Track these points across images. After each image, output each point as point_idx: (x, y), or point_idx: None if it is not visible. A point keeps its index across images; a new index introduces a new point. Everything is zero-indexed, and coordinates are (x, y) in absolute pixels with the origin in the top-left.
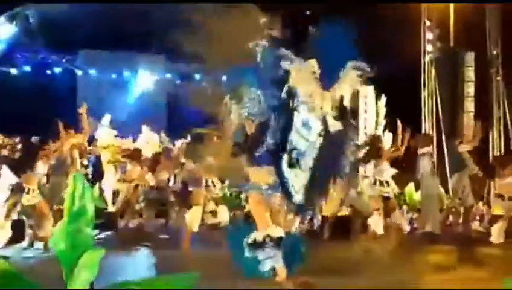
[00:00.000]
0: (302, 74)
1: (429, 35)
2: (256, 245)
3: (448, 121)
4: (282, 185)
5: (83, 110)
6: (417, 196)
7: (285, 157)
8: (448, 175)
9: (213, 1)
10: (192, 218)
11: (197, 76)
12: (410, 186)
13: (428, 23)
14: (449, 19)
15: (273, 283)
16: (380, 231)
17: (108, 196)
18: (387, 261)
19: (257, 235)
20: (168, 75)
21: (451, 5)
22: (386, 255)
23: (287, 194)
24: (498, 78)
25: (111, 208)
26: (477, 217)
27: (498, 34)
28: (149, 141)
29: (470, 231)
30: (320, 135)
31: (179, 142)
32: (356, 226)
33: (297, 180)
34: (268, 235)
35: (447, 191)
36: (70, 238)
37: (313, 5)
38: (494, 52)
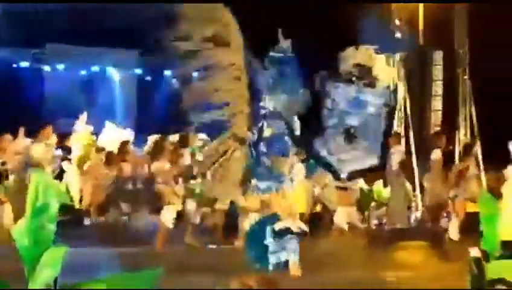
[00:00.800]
0: None
1: (398, 35)
2: (282, 234)
3: (417, 119)
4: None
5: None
6: (385, 192)
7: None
8: (417, 173)
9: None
10: (167, 215)
11: (168, 72)
12: (379, 183)
13: (397, 22)
14: (418, 18)
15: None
16: (344, 226)
17: (74, 192)
18: (352, 258)
19: (288, 223)
20: (139, 71)
21: (421, 4)
22: (350, 251)
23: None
24: (465, 77)
25: (78, 205)
26: (445, 215)
27: (465, 34)
28: (113, 137)
29: (441, 228)
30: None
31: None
32: (325, 222)
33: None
34: (298, 228)
35: (414, 189)
36: (33, 234)
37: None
38: (462, 52)
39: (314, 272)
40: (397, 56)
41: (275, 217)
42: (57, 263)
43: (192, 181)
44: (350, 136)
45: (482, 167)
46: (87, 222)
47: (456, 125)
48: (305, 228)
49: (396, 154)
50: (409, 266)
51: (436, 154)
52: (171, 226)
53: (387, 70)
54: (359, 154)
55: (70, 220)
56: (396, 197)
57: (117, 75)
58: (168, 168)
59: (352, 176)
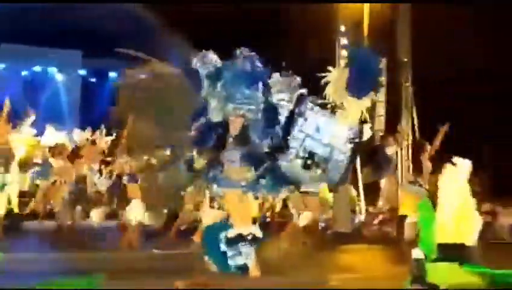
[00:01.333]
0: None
1: (344, 41)
2: (235, 241)
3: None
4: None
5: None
6: (330, 196)
7: (299, 161)
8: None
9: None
10: (135, 213)
11: (113, 74)
12: (324, 187)
13: (343, 28)
14: (363, 25)
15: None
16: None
17: (13, 196)
18: (294, 261)
19: (241, 231)
20: (83, 72)
21: (366, 11)
22: (293, 254)
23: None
24: (407, 84)
25: (17, 209)
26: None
27: (408, 42)
28: (53, 140)
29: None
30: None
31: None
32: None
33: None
34: (250, 233)
35: (358, 194)
36: None
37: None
38: (405, 59)
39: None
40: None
41: (226, 225)
42: None
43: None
44: (308, 163)
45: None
46: (32, 225)
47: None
48: (259, 233)
49: None
50: (353, 268)
51: (392, 150)
52: (133, 223)
53: (358, 105)
54: (315, 176)
55: (8, 225)
56: (340, 202)
57: (60, 75)
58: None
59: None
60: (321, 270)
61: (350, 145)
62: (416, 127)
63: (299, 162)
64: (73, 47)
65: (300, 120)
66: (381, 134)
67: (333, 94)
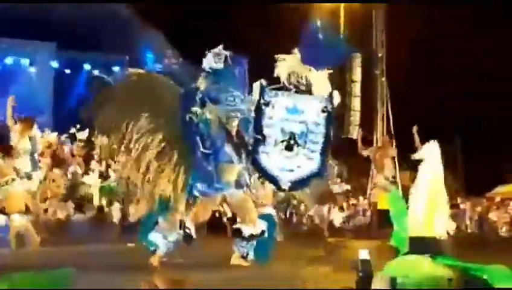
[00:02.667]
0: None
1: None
2: (178, 225)
3: (337, 119)
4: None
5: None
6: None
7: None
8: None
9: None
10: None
11: (87, 66)
12: None
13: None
14: (339, 20)
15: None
16: None
17: None
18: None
19: (186, 220)
20: (56, 64)
21: (342, 6)
22: None
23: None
24: (383, 78)
25: None
26: (361, 213)
27: (383, 37)
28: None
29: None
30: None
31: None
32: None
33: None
34: (189, 229)
35: None
36: None
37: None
38: (380, 54)
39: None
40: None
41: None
42: None
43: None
44: (290, 144)
45: (397, 166)
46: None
47: (374, 125)
48: (192, 232)
49: None
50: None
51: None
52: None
53: (322, 76)
54: (300, 162)
55: None
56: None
57: (32, 67)
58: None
59: (294, 187)
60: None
61: (323, 115)
62: (391, 121)
63: (281, 146)
64: (48, 39)
65: (267, 109)
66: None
67: (290, 74)
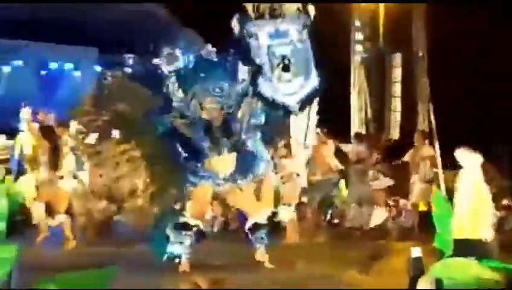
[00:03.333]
0: None
1: (358, 36)
2: (182, 227)
3: (376, 120)
4: None
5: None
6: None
7: (277, 71)
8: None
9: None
10: None
11: (129, 69)
12: (342, 183)
13: (357, 24)
14: (378, 20)
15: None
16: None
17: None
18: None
19: (189, 220)
20: (99, 68)
21: (381, 6)
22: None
23: None
24: (424, 78)
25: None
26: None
27: (424, 35)
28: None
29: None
30: None
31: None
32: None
33: None
34: (197, 225)
35: None
36: None
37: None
38: (420, 54)
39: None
40: None
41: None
42: (7, 262)
43: None
44: (285, 65)
45: (439, 166)
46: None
47: (415, 126)
48: (202, 227)
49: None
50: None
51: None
52: None
53: None
54: (300, 81)
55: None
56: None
57: (76, 72)
58: None
59: (303, 107)
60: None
61: (305, 31)
62: (433, 122)
63: (278, 71)
64: (90, 44)
65: (253, 41)
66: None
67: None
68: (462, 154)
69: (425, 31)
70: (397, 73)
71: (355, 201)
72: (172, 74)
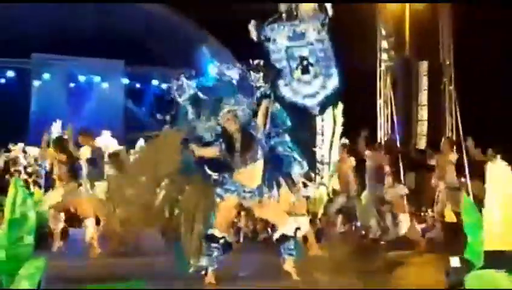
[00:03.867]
0: None
1: (384, 44)
2: (208, 239)
3: (403, 129)
4: None
5: (68, 133)
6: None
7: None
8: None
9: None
10: None
11: (155, 81)
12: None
13: (383, 32)
14: (404, 28)
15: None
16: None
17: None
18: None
19: (216, 232)
20: (126, 81)
21: (407, 14)
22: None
23: None
24: (451, 87)
25: None
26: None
27: (451, 44)
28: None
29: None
30: None
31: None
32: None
33: None
34: (223, 237)
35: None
36: (11, 248)
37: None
38: (447, 62)
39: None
40: None
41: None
42: (35, 275)
43: None
44: (304, 66)
45: (468, 175)
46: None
47: (442, 135)
48: (229, 239)
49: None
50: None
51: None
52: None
53: None
54: (320, 82)
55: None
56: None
57: (104, 84)
58: None
59: (323, 108)
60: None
61: (324, 29)
62: (460, 131)
63: (297, 72)
64: (115, 57)
65: (270, 45)
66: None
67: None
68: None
69: (452, 39)
70: (423, 82)
71: (373, 209)
72: (187, 102)
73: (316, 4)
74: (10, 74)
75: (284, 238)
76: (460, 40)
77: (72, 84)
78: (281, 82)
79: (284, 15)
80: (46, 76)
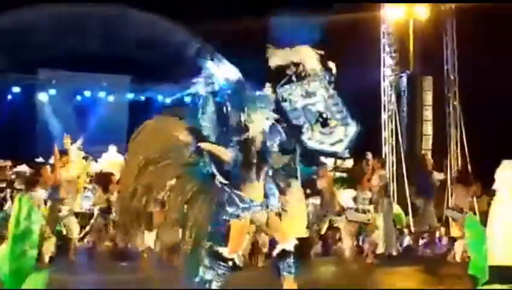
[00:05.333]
0: None
1: (389, 60)
2: (217, 257)
3: (407, 143)
4: None
5: (66, 140)
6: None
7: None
8: (409, 196)
9: None
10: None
11: (160, 97)
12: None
13: (387, 48)
14: (408, 43)
15: None
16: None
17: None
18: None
19: (225, 253)
20: (131, 95)
21: (411, 30)
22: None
23: None
24: (455, 102)
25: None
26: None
27: (455, 59)
28: (113, 162)
29: (433, 252)
30: None
31: None
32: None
33: None
34: (232, 259)
35: (406, 213)
36: (15, 261)
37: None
38: (452, 77)
39: None
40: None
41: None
42: (38, 288)
43: None
44: (324, 119)
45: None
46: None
47: (446, 150)
48: (238, 261)
49: (378, 177)
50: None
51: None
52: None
53: (311, 54)
54: (340, 130)
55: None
56: (385, 222)
57: (109, 99)
58: None
59: (350, 150)
60: None
61: (332, 86)
62: (465, 147)
63: (317, 127)
64: (121, 72)
65: (286, 105)
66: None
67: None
68: (499, 174)
69: (456, 54)
70: (428, 97)
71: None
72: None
73: (320, 65)
74: (16, 89)
75: (284, 253)
76: (464, 54)
77: (78, 100)
78: (304, 137)
79: (293, 77)
80: (52, 92)
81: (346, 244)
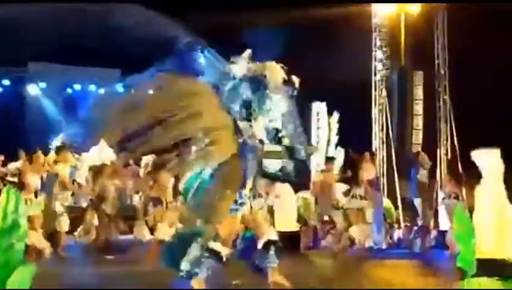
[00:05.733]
0: None
1: (380, 54)
2: (210, 252)
3: (398, 137)
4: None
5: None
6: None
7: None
8: (398, 191)
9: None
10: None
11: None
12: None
13: (379, 42)
14: (399, 38)
15: None
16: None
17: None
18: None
19: (217, 246)
20: (121, 90)
21: (402, 25)
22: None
23: None
24: (445, 96)
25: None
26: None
27: (446, 54)
28: (102, 155)
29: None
30: None
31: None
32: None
33: None
34: (219, 252)
35: (396, 207)
36: (2, 254)
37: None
38: (442, 72)
39: None
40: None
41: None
42: (25, 282)
43: None
44: (278, 137)
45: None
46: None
47: (437, 144)
48: (223, 252)
49: (365, 172)
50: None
51: (422, 175)
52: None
53: (273, 67)
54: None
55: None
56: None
57: (98, 93)
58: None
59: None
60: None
61: (291, 101)
62: (455, 140)
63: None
64: (111, 65)
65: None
66: (418, 148)
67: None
68: (481, 158)
69: (447, 49)
70: (419, 91)
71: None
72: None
73: (282, 75)
74: (6, 82)
75: (270, 243)
76: (455, 49)
77: (68, 92)
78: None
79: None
80: (42, 85)
81: (342, 237)
